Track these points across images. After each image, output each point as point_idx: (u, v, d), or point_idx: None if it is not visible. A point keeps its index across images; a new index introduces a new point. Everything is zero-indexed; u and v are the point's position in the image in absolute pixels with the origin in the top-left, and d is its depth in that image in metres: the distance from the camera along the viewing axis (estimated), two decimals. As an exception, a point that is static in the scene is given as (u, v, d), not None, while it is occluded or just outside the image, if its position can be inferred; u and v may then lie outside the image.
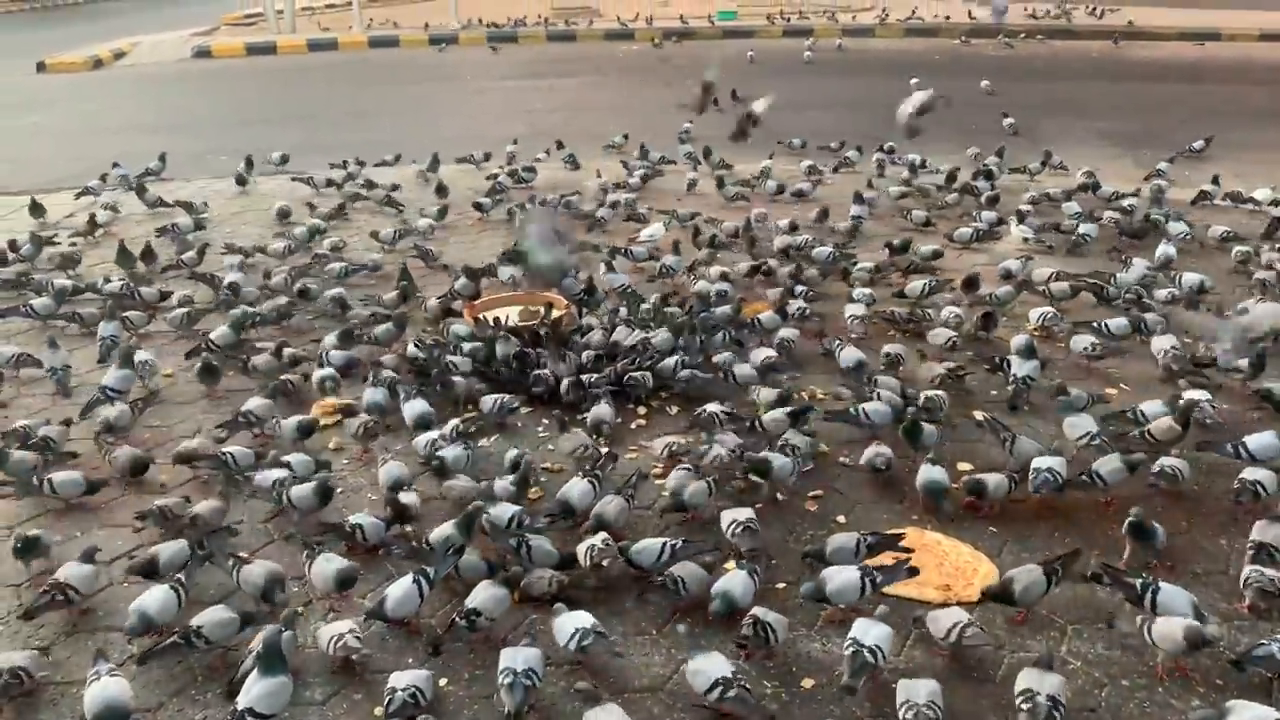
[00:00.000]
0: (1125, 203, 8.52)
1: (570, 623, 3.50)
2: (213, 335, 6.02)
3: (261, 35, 23.37)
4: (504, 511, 4.14)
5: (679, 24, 22.60)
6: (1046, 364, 5.66)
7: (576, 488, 4.33)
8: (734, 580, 3.71)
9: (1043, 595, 3.69)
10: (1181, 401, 4.94)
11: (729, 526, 4.09)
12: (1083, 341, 5.82)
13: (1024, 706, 3.14)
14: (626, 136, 11.24)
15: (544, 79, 17.45)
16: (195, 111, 15.63)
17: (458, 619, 3.60)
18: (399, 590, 3.65)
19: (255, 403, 5.14)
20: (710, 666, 3.30)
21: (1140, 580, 3.64)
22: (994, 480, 4.38)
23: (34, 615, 3.72)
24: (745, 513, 4.13)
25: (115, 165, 10.07)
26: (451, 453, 4.63)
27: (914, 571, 3.79)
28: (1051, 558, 3.82)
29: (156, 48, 22.57)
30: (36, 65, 20.02)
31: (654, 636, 3.70)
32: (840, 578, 3.67)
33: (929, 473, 4.43)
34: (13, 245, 7.85)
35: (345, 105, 15.63)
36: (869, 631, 3.38)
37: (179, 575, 3.77)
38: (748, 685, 3.28)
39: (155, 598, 3.63)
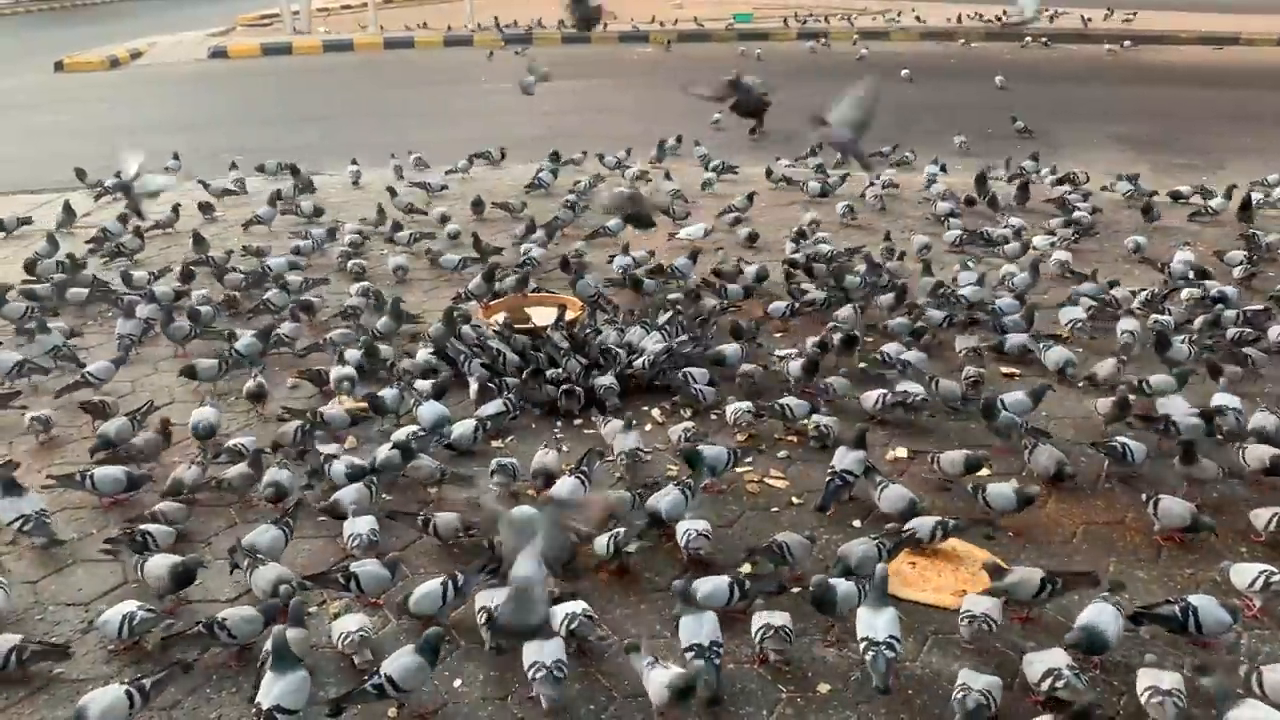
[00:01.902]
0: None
1: (562, 609, 3.55)
2: (378, 324, 6.20)
3: (277, 36, 23.49)
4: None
5: (694, 27, 22.61)
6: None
7: (566, 485, 4.36)
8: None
9: (1033, 597, 3.66)
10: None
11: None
12: (1072, 314, 6.14)
13: (1154, 700, 3.13)
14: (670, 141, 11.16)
15: (560, 81, 17.40)
16: (211, 111, 15.70)
17: (491, 620, 3.56)
18: (424, 588, 3.70)
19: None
20: (697, 628, 3.37)
21: (1173, 607, 3.51)
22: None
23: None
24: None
25: (78, 172, 10.04)
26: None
27: None
28: (1063, 571, 3.77)
29: (173, 48, 22.73)
30: (54, 65, 20.19)
31: (668, 639, 3.66)
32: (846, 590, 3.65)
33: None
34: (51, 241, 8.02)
35: (361, 106, 15.68)
36: (875, 625, 3.36)
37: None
38: (718, 662, 3.33)
39: None
